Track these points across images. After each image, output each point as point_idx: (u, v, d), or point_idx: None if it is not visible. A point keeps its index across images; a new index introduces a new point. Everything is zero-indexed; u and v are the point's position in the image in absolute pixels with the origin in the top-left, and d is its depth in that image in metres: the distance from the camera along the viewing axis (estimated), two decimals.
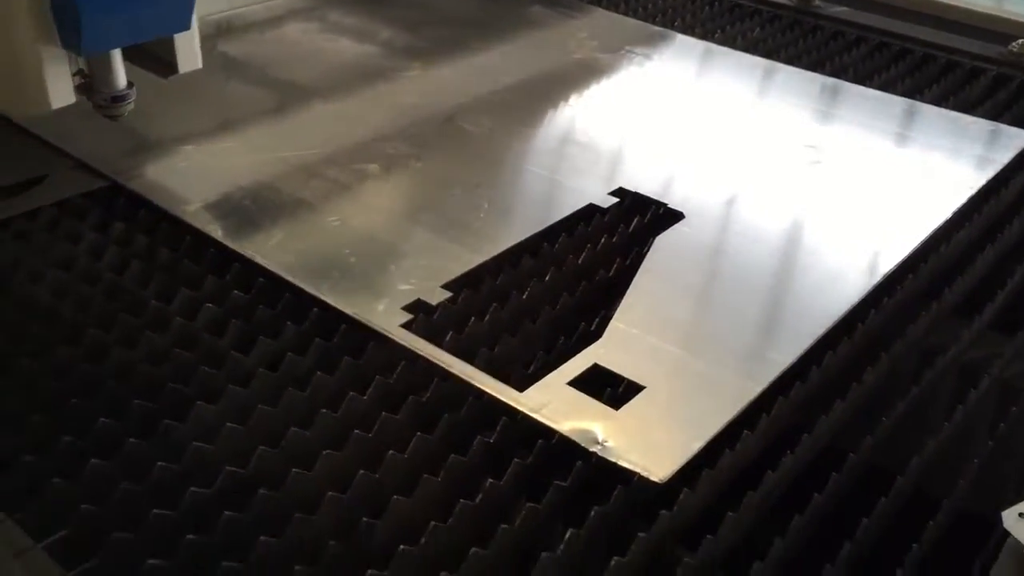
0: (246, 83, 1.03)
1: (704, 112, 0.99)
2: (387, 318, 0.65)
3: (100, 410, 0.56)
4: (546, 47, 1.13)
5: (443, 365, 0.61)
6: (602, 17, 1.22)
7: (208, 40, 1.05)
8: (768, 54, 1.12)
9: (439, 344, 0.63)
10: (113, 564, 0.48)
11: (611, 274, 0.73)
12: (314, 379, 0.60)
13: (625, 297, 0.69)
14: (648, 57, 1.10)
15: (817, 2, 1.24)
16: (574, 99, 1.00)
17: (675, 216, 0.79)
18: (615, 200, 0.81)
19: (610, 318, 0.66)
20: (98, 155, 0.82)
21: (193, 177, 0.81)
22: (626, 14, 1.23)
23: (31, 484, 0.52)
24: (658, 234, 0.76)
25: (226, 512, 0.50)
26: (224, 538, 0.49)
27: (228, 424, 0.56)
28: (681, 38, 1.16)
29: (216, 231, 0.74)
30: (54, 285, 0.68)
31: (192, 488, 0.52)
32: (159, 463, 0.53)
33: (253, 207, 0.77)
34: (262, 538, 0.49)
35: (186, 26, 0.72)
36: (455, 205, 0.80)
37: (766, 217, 0.81)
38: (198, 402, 0.57)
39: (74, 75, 0.73)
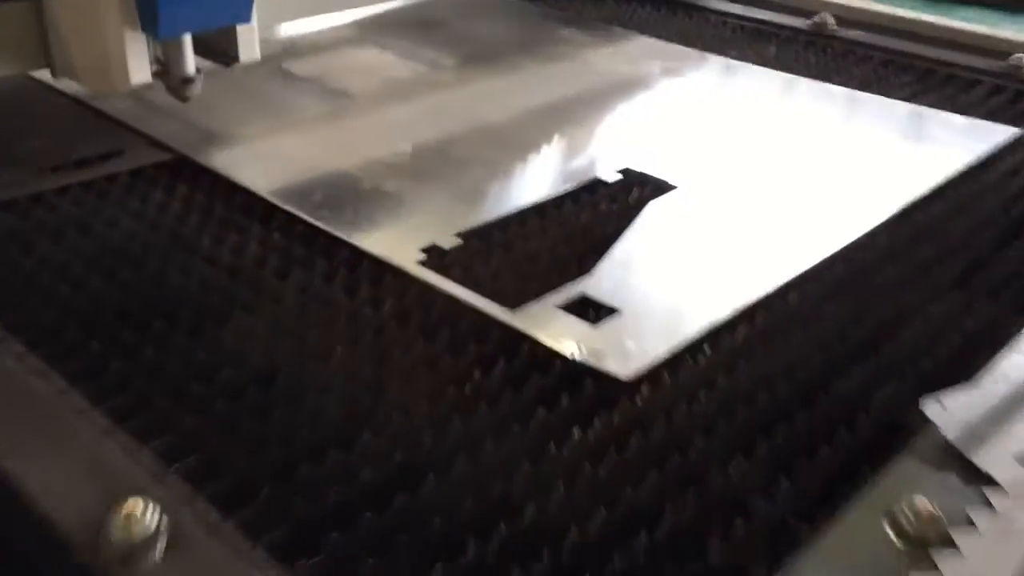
0: (304, 92, 1.15)
1: (720, 113, 1.09)
2: (405, 257, 0.75)
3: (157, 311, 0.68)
4: (574, 61, 1.23)
5: (446, 291, 0.71)
6: (630, 38, 1.32)
7: (274, 58, 1.18)
8: (785, 70, 1.21)
9: (447, 276, 0.73)
10: None
11: (608, 231, 0.82)
12: (336, 300, 0.70)
13: (616, 245, 0.78)
14: (670, 71, 1.20)
15: (832, 26, 1.34)
16: (596, 101, 1.10)
17: (669, 188, 0.89)
18: (620, 177, 0.91)
19: (600, 261, 0.75)
20: (168, 135, 0.95)
21: (248, 155, 0.93)
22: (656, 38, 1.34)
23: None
24: (651, 199, 0.86)
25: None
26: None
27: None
28: (702, 55, 1.26)
29: (265, 191, 0.85)
30: (127, 231, 0.80)
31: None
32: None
33: (302, 178, 0.89)
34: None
35: (247, 19, 0.84)
36: (476, 178, 0.90)
37: (757, 187, 0.90)
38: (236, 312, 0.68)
39: (152, 64, 0.85)
